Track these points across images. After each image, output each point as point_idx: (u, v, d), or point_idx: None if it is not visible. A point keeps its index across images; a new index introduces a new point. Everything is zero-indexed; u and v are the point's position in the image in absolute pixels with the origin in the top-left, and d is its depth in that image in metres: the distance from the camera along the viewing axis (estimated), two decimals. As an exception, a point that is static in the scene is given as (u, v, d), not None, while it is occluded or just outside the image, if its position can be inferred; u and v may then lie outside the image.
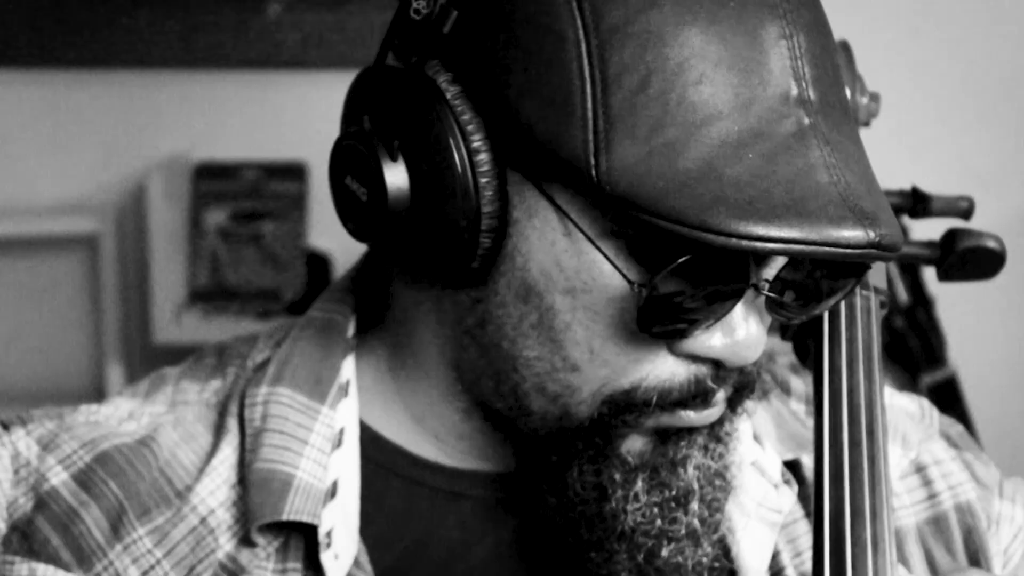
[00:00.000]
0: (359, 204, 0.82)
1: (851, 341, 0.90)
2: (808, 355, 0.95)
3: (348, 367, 0.92)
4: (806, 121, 0.75)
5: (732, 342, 0.79)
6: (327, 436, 0.89)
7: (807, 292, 0.81)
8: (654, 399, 0.80)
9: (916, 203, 0.99)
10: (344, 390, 0.91)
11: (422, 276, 0.84)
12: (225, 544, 0.87)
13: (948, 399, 2.10)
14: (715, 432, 0.85)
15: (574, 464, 0.83)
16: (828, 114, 0.77)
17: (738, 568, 0.91)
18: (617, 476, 0.83)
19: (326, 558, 0.86)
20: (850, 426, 0.86)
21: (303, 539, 0.87)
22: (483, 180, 0.78)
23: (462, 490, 0.91)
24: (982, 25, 2.12)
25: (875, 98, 0.96)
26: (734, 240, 0.72)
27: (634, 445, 0.83)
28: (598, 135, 0.74)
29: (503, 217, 0.79)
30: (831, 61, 0.79)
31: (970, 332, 2.16)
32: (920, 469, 0.95)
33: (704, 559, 0.84)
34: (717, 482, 0.85)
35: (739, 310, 0.78)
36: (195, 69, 2.10)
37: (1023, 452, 2.18)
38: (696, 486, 0.83)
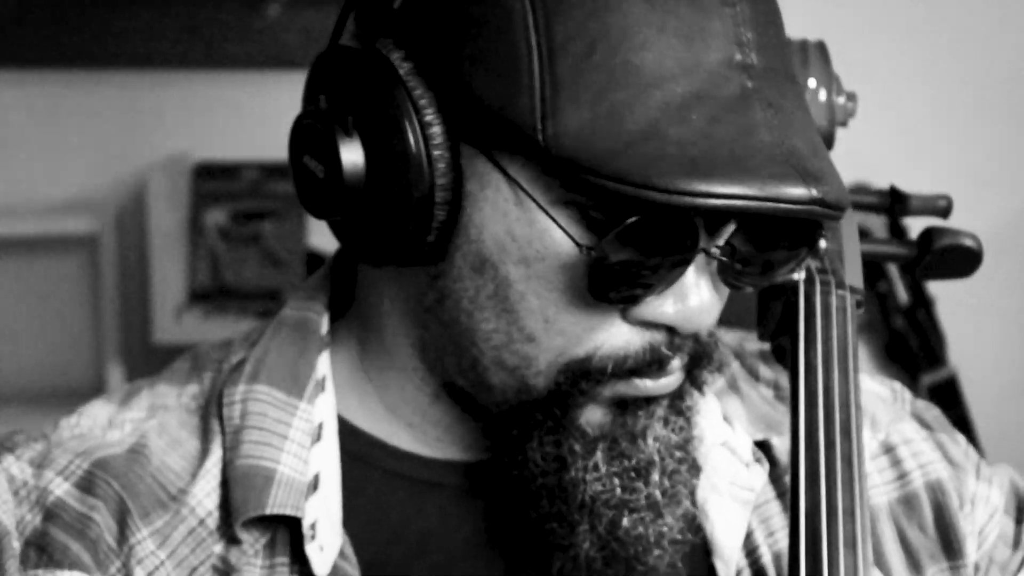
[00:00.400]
0: (317, 182, 0.83)
1: (827, 340, 0.90)
2: (785, 354, 0.95)
3: (323, 363, 0.93)
4: (749, 84, 0.77)
5: (684, 308, 0.80)
6: (306, 431, 0.90)
7: (761, 261, 0.82)
8: (609, 367, 0.81)
9: (894, 202, 0.99)
10: (321, 385, 0.92)
11: (382, 255, 0.84)
12: (216, 544, 0.88)
13: (948, 399, 2.10)
14: (676, 405, 0.85)
15: (534, 436, 0.84)
16: (771, 79, 0.78)
17: (712, 546, 0.92)
18: (577, 447, 0.83)
19: (311, 550, 0.86)
20: (826, 425, 0.86)
21: (288, 534, 0.88)
22: (436, 153, 0.80)
23: (439, 479, 0.92)
24: (981, 24, 2.11)
25: (852, 97, 0.96)
26: (676, 197, 0.73)
27: (593, 416, 0.84)
28: (545, 102, 0.75)
29: (457, 189, 0.81)
30: (775, 28, 0.80)
31: (970, 332, 2.15)
32: (889, 449, 0.96)
33: (666, 530, 0.85)
34: (678, 454, 0.86)
35: (691, 276, 0.79)
36: (195, 69, 2.10)
37: (1023, 452, 2.17)
38: (657, 457, 0.84)
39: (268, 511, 0.86)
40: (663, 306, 0.80)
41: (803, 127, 0.78)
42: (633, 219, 0.75)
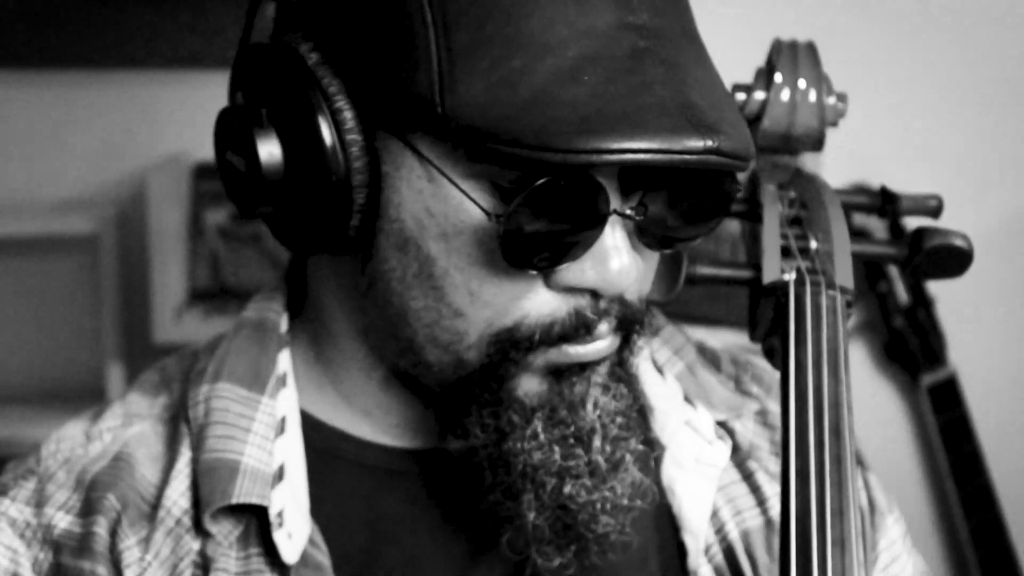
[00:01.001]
0: (239, 176, 0.85)
1: (817, 341, 0.90)
2: (776, 355, 0.95)
3: (284, 360, 0.95)
4: (641, 44, 0.78)
5: (604, 270, 0.81)
6: (269, 424, 0.91)
7: (676, 220, 0.83)
8: (537, 335, 0.83)
9: (885, 202, 0.99)
10: (282, 381, 0.94)
11: (310, 245, 0.87)
12: (193, 540, 0.90)
13: (948, 399, 2.10)
14: (615, 372, 0.87)
15: (472, 410, 0.86)
16: (666, 38, 0.80)
17: (680, 521, 0.93)
18: (515, 418, 0.85)
19: (279, 537, 0.88)
20: (816, 425, 0.86)
21: (259, 525, 0.90)
22: (349, 137, 0.82)
23: (401, 467, 0.94)
24: (977, 24, 2.11)
25: (842, 98, 0.96)
26: (571, 155, 0.74)
27: (530, 386, 0.85)
28: (443, 75, 0.77)
29: (373, 172, 0.83)
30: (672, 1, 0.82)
31: (970, 332, 2.15)
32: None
33: (609, 495, 0.86)
34: (619, 419, 0.87)
35: (608, 238, 0.81)
36: (195, 69, 2.10)
37: (1023, 452, 2.17)
38: (598, 424, 0.86)
39: (234, 500, 0.88)
40: (583, 271, 0.82)
41: (702, 82, 0.80)
42: (538, 183, 0.76)
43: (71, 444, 0.95)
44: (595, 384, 0.86)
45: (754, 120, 0.98)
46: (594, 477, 0.86)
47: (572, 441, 0.85)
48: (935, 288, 2.11)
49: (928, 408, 2.09)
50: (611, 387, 0.87)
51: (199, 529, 0.90)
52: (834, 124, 0.97)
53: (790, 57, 0.96)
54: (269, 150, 0.83)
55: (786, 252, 0.95)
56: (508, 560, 0.90)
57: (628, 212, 0.80)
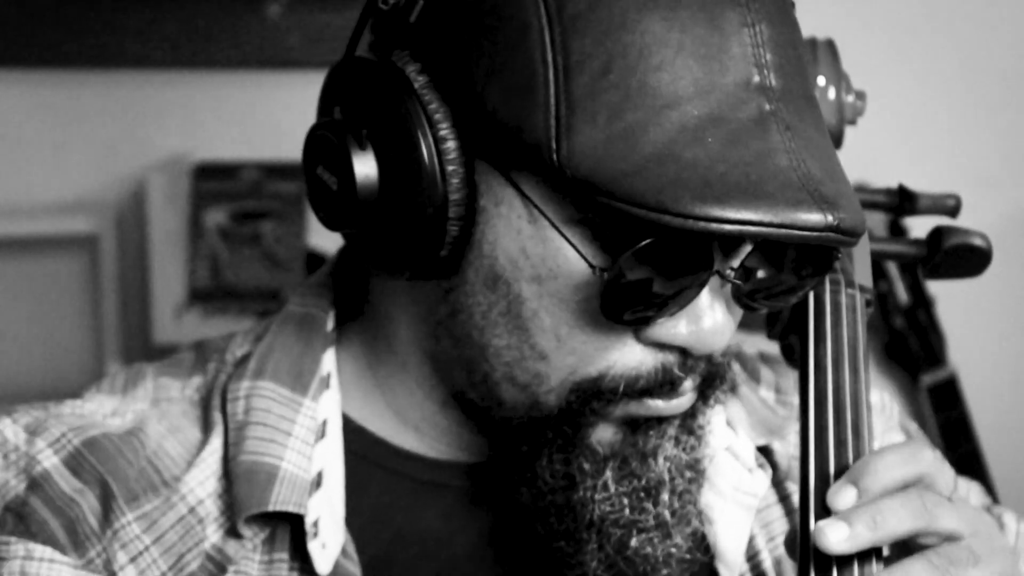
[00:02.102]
0: (330, 193, 0.83)
1: (837, 339, 0.90)
2: (794, 353, 0.95)
3: (329, 360, 0.93)
4: (767, 107, 0.76)
5: (697, 329, 0.80)
6: (310, 428, 0.90)
7: (775, 284, 0.82)
8: (621, 387, 0.81)
9: (903, 201, 0.99)
10: (325, 382, 0.92)
11: (395, 268, 0.84)
12: (212, 535, 0.88)
13: (948, 399, 2.10)
14: (687, 424, 0.85)
15: (544, 453, 0.85)
16: (790, 101, 0.77)
17: (715, 552, 0.92)
18: (587, 466, 0.83)
19: (313, 547, 0.87)
20: (836, 424, 0.86)
21: (289, 530, 0.88)
22: (450, 168, 0.79)
23: (443, 481, 0.92)
24: (988, 22, 2.12)
25: (861, 96, 0.96)
26: (691, 222, 0.72)
27: (604, 435, 0.84)
28: (560, 120, 0.75)
29: (470, 205, 0.80)
30: (795, 50, 0.80)
31: (970, 332, 2.15)
32: None
33: (674, 550, 0.85)
34: (688, 474, 0.86)
35: (705, 298, 0.79)
36: (195, 69, 2.10)
37: (1023, 452, 2.17)
38: (667, 477, 0.84)
39: (271, 508, 0.86)
40: (676, 327, 0.80)
41: (821, 151, 0.77)
42: (647, 241, 0.74)
43: (95, 408, 0.92)
44: (668, 437, 0.85)
45: None
46: (660, 530, 0.85)
47: (642, 494, 0.84)
48: (935, 288, 2.11)
49: (928, 408, 2.10)
50: (682, 439, 0.86)
51: (221, 525, 0.88)
52: (852, 122, 0.97)
53: (809, 54, 0.96)
54: (365, 172, 0.80)
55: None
56: None
57: (731, 273, 0.79)
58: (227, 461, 0.89)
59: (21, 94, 2.07)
